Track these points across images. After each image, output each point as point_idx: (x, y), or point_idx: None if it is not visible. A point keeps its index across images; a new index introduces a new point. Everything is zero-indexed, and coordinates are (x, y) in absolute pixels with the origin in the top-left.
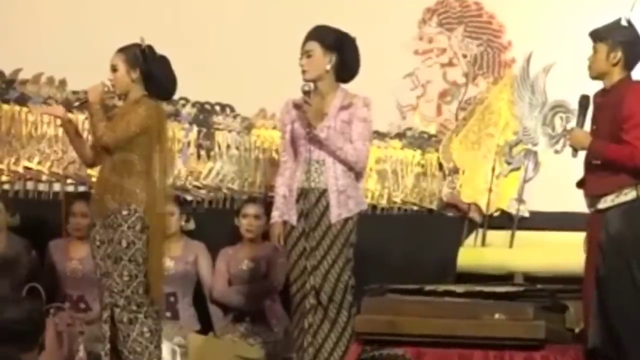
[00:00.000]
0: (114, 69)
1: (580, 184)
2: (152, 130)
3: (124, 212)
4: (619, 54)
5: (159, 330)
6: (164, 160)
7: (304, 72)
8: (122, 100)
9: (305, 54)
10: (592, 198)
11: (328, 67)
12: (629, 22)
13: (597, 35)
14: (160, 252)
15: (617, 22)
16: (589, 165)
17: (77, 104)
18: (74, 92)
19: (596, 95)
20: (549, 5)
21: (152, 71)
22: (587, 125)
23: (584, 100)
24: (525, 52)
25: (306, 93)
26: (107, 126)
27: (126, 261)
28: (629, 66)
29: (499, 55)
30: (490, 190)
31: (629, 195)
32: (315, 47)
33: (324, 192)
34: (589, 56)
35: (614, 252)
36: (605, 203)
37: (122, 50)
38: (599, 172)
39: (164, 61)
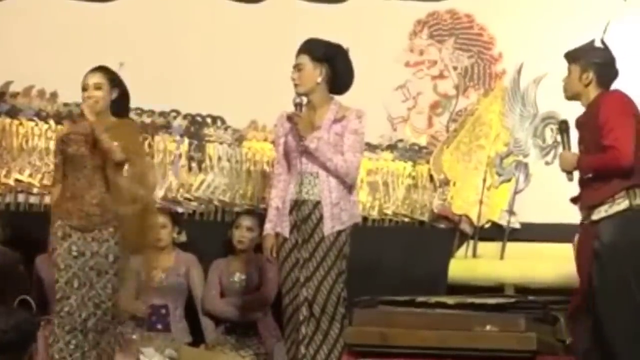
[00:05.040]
0: (98, 87)
1: (575, 200)
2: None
3: (110, 229)
4: (591, 75)
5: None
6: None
7: (295, 85)
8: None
9: (296, 67)
10: (587, 210)
11: (319, 79)
12: (603, 43)
13: (570, 57)
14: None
15: (591, 44)
16: (582, 181)
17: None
18: (65, 105)
19: (578, 118)
20: (539, 18)
21: (126, 93)
22: (574, 148)
23: (563, 125)
24: (515, 64)
25: (297, 105)
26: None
27: (111, 275)
28: (602, 86)
29: (490, 67)
30: (481, 201)
31: (621, 204)
32: (305, 60)
33: (317, 204)
34: (564, 77)
35: (608, 262)
36: (598, 214)
37: (102, 69)
38: (592, 185)
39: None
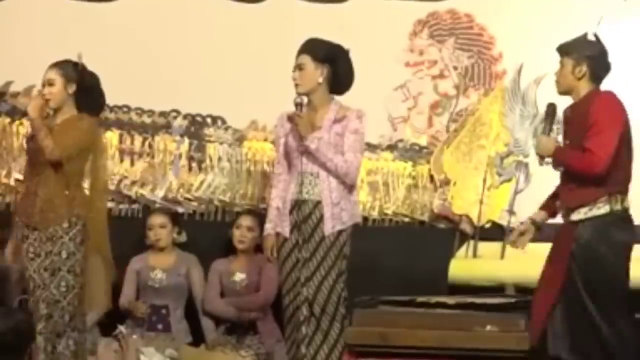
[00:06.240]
0: (50, 83)
1: (554, 197)
2: (93, 145)
3: (65, 225)
4: (584, 68)
5: (83, 343)
6: (103, 175)
7: (296, 85)
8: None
9: (297, 67)
10: (567, 209)
11: (320, 79)
12: (595, 36)
13: (563, 50)
14: (100, 264)
15: (584, 37)
16: (563, 177)
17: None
18: None
19: (565, 111)
20: (539, 17)
21: (87, 86)
22: (556, 135)
23: (550, 108)
24: (516, 64)
25: (298, 105)
26: (56, 141)
27: (65, 272)
28: (595, 80)
29: (490, 67)
30: (481, 201)
31: (602, 209)
32: (306, 60)
33: (317, 204)
34: (556, 71)
35: (583, 265)
36: (578, 215)
37: (58, 65)
38: (572, 184)
39: (95, 76)
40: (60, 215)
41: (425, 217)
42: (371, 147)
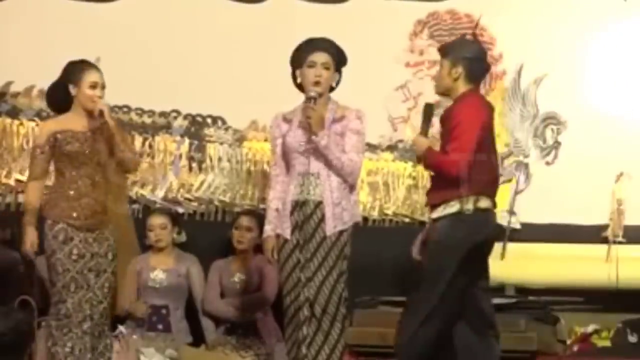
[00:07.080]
0: (104, 86)
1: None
2: None
3: (110, 227)
4: (460, 70)
5: (112, 343)
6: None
7: (317, 82)
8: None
9: (323, 65)
10: (430, 207)
11: (334, 84)
12: (474, 37)
13: (441, 51)
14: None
15: (462, 38)
16: (431, 177)
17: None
18: None
19: (442, 114)
20: (539, 18)
21: None
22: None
23: (427, 109)
24: (516, 64)
25: (311, 99)
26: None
27: (109, 273)
28: (471, 81)
29: (490, 67)
30: None
31: (454, 207)
32: (330, 61)
33: (319, 204)
34: (436, 72)
35: (433, 255)
36: (436, 213)
37: (98, 69)
38: (435, 183)
39: None
40: (109, 217)
41: (426, 218)
42: (371, 147)
